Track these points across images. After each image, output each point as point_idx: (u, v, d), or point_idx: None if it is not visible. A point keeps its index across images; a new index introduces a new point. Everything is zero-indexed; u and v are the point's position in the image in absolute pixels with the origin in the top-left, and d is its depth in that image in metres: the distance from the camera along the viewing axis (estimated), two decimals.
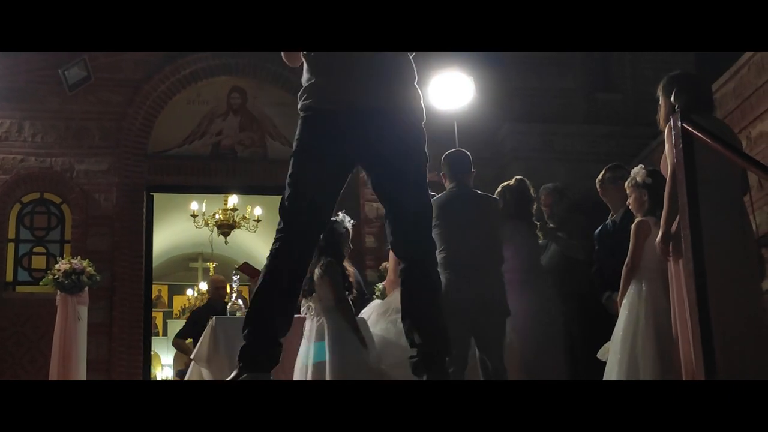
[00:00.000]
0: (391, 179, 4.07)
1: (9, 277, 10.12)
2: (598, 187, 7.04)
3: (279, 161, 10.65)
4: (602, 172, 7.00)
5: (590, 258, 7.34)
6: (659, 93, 5.19)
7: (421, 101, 4.31)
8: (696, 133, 3.59)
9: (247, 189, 11.74)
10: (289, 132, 10.26)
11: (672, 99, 4.14)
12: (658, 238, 4.90)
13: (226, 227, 13.59)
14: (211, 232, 13.77)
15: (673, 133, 3.73)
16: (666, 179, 4.93)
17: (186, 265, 19.20)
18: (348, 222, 6.20)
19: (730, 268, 4.33)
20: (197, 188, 11.63)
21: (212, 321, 6.41)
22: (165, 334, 18.57)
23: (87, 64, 10.43)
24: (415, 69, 4.28)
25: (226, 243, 14.08)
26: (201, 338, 6.47)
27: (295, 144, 3.99)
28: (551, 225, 8.37)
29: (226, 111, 11.16)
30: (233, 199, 13.19)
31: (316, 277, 5.83)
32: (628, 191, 6.04)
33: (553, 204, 8.40)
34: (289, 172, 3.94)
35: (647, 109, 11.14)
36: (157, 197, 10.91)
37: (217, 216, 13.51)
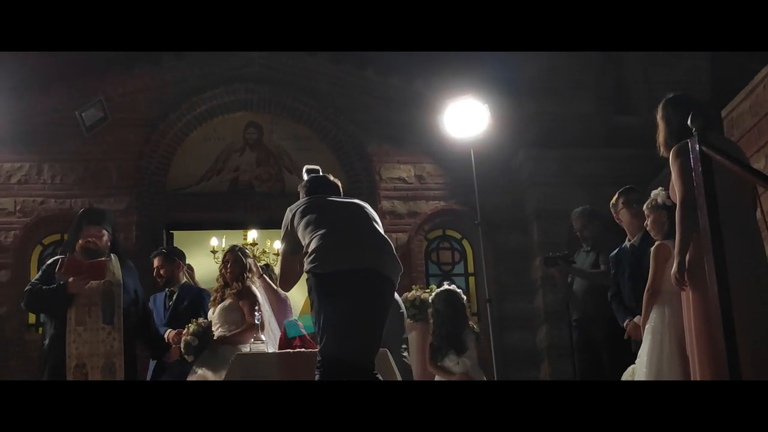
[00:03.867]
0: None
1: (32, 319, 10.14)
2: (612, 211, 7.00)
3: (296, 195, 10.60)
4: (615, 196, 6.96)
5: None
6: (658, 116, 5.12)
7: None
8: (715, 155, 3.57)
9: (266, 223, 11.73)
10: (306, 165, 10.27)
11: (689, 122, 4.10)
12: (674, 268, 4.71)
13: None
14: None
15: (691, 156, 3.69)
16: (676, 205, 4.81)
17: None
18: None
19: (747, 290, 4.25)
20: (216, 224, 11.64)
21: (233, 357, 6.37)
22: None
23: (104, 105, 10.50)
24: None
25: None
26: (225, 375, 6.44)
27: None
28: (585, 248, 8.33)
29: (243, 146, 11.19)
30: (252, 234, 13.17)
31: None
32: (646, 213, 5.99)
33: (583, 227, 8.38)
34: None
35: None
36: (177, 234, 10.92)
37: None
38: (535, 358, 10.63)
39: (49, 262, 6.53)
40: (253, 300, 6.95)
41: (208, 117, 11.06)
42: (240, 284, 7.01)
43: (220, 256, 13.02)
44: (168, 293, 7.65)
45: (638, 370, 5.68)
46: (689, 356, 4.82)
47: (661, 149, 5.02)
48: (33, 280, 6.48)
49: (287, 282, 5.39)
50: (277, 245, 13.31)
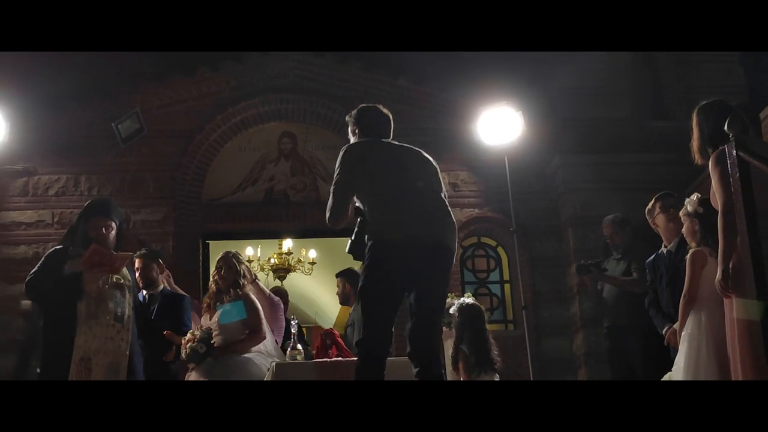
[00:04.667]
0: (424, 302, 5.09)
1: None
2: (648, 217, 6.96)
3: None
4: (652, 201, 6.92)
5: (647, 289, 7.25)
6: (693, 122, 5.08)
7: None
8: (753, 161, 3.54)
9: (301, 232, 11.81)
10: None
11: (726, 127, 4.07)
12: (718, 276, 4.65)
13: (281, 271, 13.64)
14: (267, 276, 13.82)
15: (728, 162, 3.67)
16: (716, 210, 4.76)
17: None
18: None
19: None
20: (252, 234, 11.69)
21: (272, 367, 6.40)
22: None
23: (140, 117, 10.58)
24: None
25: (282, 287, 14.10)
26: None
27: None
28: (615, 256, 8.30)
29: (278, 156, 11.23)
30: (288, 243, 13.26)
31: None
32: (682, 219, 5.95)
33: (614, 234, 8.36)
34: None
35: None
36: (213, 244, 10.98)
37: (272, 260, 13.57)
38: (572, 364, 10.58)
39: (50, 251, 6.29)
40: (254, 308, 6.91)
41: (242, 127, 11.12)
42: (238, 291, 6.93)
43: (256, 265, 13.14)
44: (145, 296, 7.62)
45: (675, 377, 5.64)
46: (730, 362, 4.79)
47: (696, 156, 4.99)
48: (33, 271, 6.13)
49: (336, 217, 5.37)
50: (312, 254, 13.39)
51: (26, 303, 10.15)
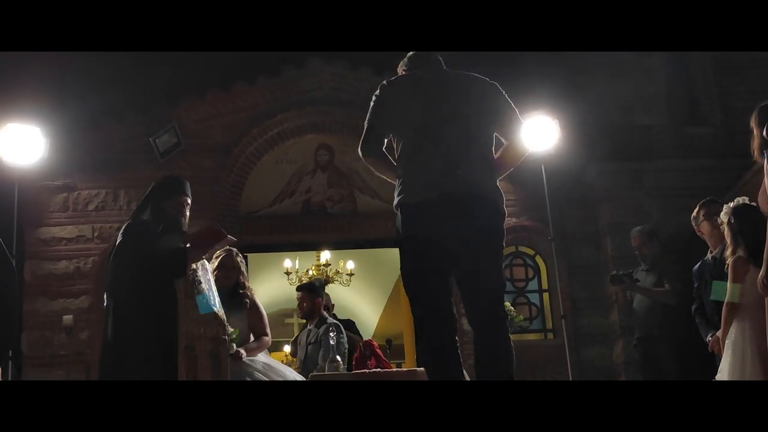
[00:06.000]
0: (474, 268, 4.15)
1: None
2: (693, 224, 6.90)
3: (368, 215, 10.76)
4: (696, 208, 6.86)
5: (683, 301, 7.21)
6: (752, 123, 5.06)
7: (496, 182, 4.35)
8: None
9: (339, 244, 11.83)
10: (377, 185, 10.34)
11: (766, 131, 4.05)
12: (761, 273, 4.64)
13: None
14: None
15: None
16: (763, 212, 4.77)
17: (282, 321, 19.35)
18: None
19: None
20: (290, 246, 11.75)
21: (310, 379, 6.40)
22: None
23: (177, 131, 10.67)
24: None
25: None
26: None
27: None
28: (644, 267, 8.26)
29: (314, 168, 11.28)
30: (325, 255, 13.28)
31: None
32: (720, 227, 5.93)
33: (643, 245, 8.32)
34: None
35: (739, 141, 10.96)
36: (251, 257, 11.03)
37: (310, 272, 13.60)
38: (611, 372, 10.51)
39: (134, 227, 5.42)
40: (259, 313, 6.68)
41: (279, 140, 11.18)
42: (247, 293, 6.61)
43: (294, 277, 13.19)
44: None
45: None
46: None
47: (755, 155, 4.96)
48: (119, 249, 5.31)
49: (366, 144, 4.40)
50: (350, 265, 13.41)
51: (68, 318, 10.29)
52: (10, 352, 6.99)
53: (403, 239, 4.16)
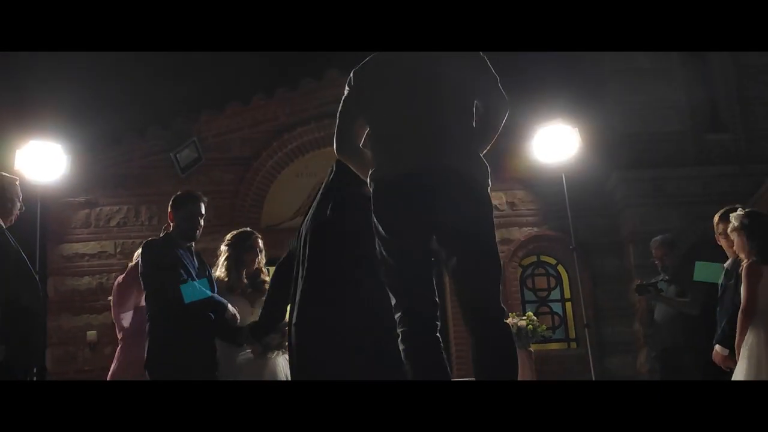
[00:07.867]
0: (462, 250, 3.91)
1: None
2: (715, 231, 6.83)
3: None
4: (717, 217, 6.78)
5: (703, 311, 7.15)
6: None
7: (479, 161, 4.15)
8: None
9: None
10: None
11: None
12: None
13: None
14: None
15: None
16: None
17: None
18: None
19: None
20: None
21: None
22: None
23: (197, 146, 10.72)
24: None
25: None
26: None
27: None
28: (664, 277, 8.21)
29: None
30: None
31: None
32: (731, 235, 5.84)
33: (664, 256, 8.27)
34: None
35: (760, 147, 10.95)
36: (273, 270, 11.03)
37: None
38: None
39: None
40: None
41: (299, 153, 11.20)
42: (264, 281, 6.29)
43: None
44: None
45: None
46: None
47: None
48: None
49: (338, 140, 4.10)
50: None
51: (92, 334, 10.32)
52: (35, 368, 7.02)
53: (377, 222, 3.86)
